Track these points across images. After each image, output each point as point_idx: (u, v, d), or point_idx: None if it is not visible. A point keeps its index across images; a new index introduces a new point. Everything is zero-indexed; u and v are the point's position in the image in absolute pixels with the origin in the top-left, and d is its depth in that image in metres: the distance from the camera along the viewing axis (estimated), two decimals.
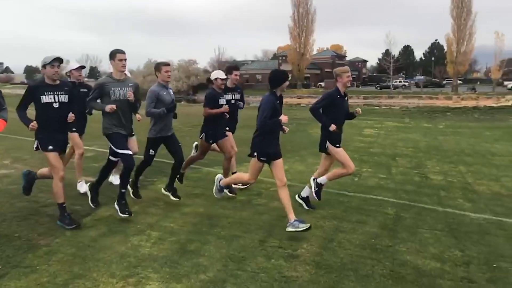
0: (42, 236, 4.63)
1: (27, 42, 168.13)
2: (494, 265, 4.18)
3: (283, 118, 4.83)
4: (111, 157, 5.45)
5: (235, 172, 6.39)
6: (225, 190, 6.20)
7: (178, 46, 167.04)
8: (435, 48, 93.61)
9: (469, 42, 59.06)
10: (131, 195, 5.84)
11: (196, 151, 6.87)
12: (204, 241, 4.61)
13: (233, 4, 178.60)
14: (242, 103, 6.86)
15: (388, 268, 4.05)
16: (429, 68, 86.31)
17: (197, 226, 5.10)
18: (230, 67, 6.85)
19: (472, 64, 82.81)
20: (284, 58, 77.52)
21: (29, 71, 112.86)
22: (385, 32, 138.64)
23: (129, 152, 5.23)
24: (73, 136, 6.17)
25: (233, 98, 6.66)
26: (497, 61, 62.02)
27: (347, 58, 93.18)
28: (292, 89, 60.86)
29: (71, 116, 5.04)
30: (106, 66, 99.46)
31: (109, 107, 5.04)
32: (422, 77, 74.84)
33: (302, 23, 67.11)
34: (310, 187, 5.89)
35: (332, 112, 5.60)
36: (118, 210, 5.13)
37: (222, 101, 6.34)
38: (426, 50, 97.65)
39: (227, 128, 6.56)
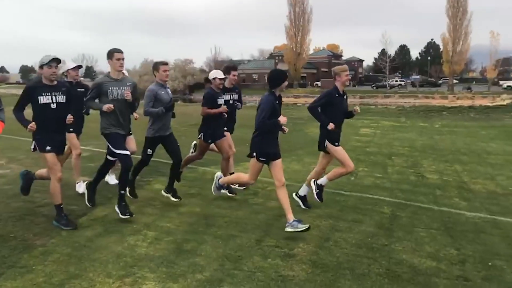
0: (38, 236, 4.61)
1: (23, 41, 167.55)
2: (489, 264, 4.20)
3: (282, 119, 4.82)
4: (108, 157, 5.43)
5: (233, 173, 6.38)
6: (225, 191, 6.20)
7: (174, 45, 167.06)
8: (431, 48, 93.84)
9: (464, 42, 59.40)
10: (128, 194, 5.83)
11: (194, 151, 6.85)
12: (200, 240, 4.60)
13: (230, 3, 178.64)
14: (240, 104, 6.86)
15: (384, 267, 4.06)
16: (425, 67, 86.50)
17: (193, 225, 5.09)
18: (228, 67, 6.82)
19: (467, 64, 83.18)
20: (280, 57, 77.55)
21: (25, 70, 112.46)
22: (381, 32, 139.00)
23: (127, 152, 5.21)
24: (71, 137, 6.15)
25: (231, 98, 6.65)
26: (493, 61, 62.30)
27: (344, 58, 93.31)
28: (288, 88, 60.82)
29: (69, 118, 5.03)
30: (102, 66, 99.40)
31: (106, 107, 5.02)
32: (418, 76, 75.01)
33: (299, 22, 67.18)
34: (308, 186, 5.89)
35: (331, 111, 5.60)
36: (119, 213, 5.10)
37: (220, 100, 6.33)
38: (422, 50, 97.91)
39: (225, 129, 6.55)
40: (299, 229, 4.66)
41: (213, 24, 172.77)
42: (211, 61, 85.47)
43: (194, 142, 6.97)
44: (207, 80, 6.46)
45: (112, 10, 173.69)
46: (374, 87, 68.47)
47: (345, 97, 5.80)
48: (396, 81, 72.36)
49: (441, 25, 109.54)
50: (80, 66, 6.44)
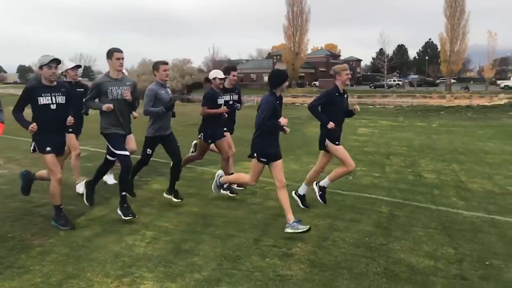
0: (36, 236, 4.61)
1: (20, 41, 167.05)
2: (487, 263, 4.22)
3: (283, 120, 4.81)
4: (108, 157, 5.41)
5: (232, 173, 6.37)
6: (226, 191, 6.20)
7: (172, 45, 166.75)
8: (428, 47, 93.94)
9: (462, 41, 59.53)
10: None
11: (194, 150, 6.83)
12: (198, 240, 4.61)
13: (228, 3, 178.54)
14: (240, 105, 6.86)
15: (382, 266, 4.07)
16: (423, 67, 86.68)
17: (191, 225, 5.09)
18: (228, 67, 6.78)
19: (465, 63, 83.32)
20: (278, 57, 77.53)
21: (22, 70, 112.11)
22: (379, 31, 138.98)
23: (127, 153, 5.20)
24: (70, 137, 6.13)
25: (231, 99, 6.63)
26: (490, 60, 62.47)
27: (342, 58, 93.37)
28: (287, 88, 60.83)
29: (70, 120, 5.02)
30: (100, 66, 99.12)
31: (106, 106, 5.00)
32: (416, 76, 75.18)
33: (297, 22, 67.19)
34: (307, 185, 5.89)
35: (331, 110, 5.59)
36: (122, 215, 5.07)
37: (220, 100, 6.32)
38: (420, 49, 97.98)
39: (225, 129, 6.53)
40: (299, 230, 4.66)
41: (211, 24, 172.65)
42: (209, 61, 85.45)
43: (195, 141, 6.95)
44: (207, 80, 6.45)
45: (110, 10, 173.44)
46: (372, 87, 68.56)
47: (345, 96, 5.79)
48: (394, 80, 72.42)
49: (439, 25, 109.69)
50: (79, 66, 6.42)
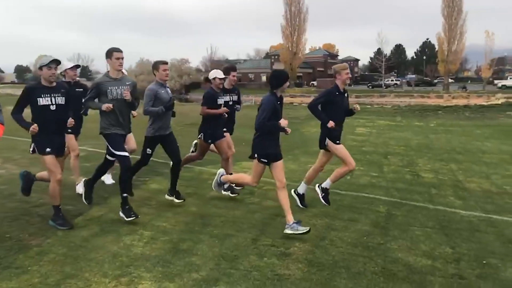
0: (33, 237, 4.60)
1: (18, 41, 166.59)
2: (484, 262, 4.23)
3: (283, 122, 4.79)
4: (108, 157, 5.40)
5: (231, 174, 6.37)
6: (227, 192, 6.20)
7: (170, 45, 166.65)
8: (426, 47, 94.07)
9: (460, 41, 59.58)
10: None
11: (195, 150, 6.81)
12: (196, 240, 4.61)
13: (225, 3, 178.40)
14: (239, 106, 6.86)
15: (380, 266, 4.08)
16: (420, 67, 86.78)
17: (189, 225, 5.09)
18: (228, 68, 6.75)
19: (463, 63, 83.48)
20: (276, 57, 77.54)
21: (20, 70, 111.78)
22: (377, 31, 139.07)
23: (126, 154, 5.18)
24: (69, 138, 6.11)
25: (231, 99, 6.63)
26: (488, 60, 62.54)
27: (339, 57, 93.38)
28: None
29: (70, 121, 5.01)
30: (98, 65, 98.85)
31: (105, 106, 4.98)
32: (414, 75, 75.24)
33: (294, 22, 67.15)
34: (307, 184, 5.89)
35: (331, 109, 5.58)
36: (124, 217, 5.04)
37: (220, 101, 6.31)
38: (417, 49, 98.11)
39: (225, 129, 6.52)
40: (299, 232, 4.65)
41: (209, 24, 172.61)
42: (207, 61, 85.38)
43: (195, 141, 6.93)
44: (207, 79, 6.44)
45: (108, 9, 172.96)
46: (370, 87, 68.60)
47: (346, 95, 5.78)
48: (392, 80, 72.51)
49: (437, 25, 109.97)
50: (78, 66, 6.40)
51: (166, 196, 5.92)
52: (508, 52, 77.13)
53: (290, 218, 4.75)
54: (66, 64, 6.28)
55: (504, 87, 56.45)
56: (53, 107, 4.79)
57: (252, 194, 6.50)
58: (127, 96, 5.09)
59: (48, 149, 4.79)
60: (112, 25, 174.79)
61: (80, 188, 6.21)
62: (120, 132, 5.20)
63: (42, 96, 4.74)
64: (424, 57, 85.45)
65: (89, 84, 6.27)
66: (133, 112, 5.82)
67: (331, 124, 5.48)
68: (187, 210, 5.68)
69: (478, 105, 33.03)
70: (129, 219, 5.03)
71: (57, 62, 4.80)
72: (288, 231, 4.70)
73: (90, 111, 5.94)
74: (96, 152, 9.25)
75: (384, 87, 66.24)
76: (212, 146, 6.41)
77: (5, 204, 5.75)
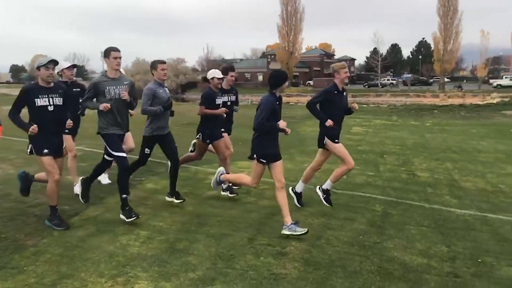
0: (29, 237, 4.58)
1: (13, 40, 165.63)
2: (479, 260, 4.26)
3: (281, 124, 4.79)
4: (106, 157, 5.39)
5: (228, 173, 6.35)
6: (226, 192, 6.20)
7: (166, 44, 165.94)
8: (422, 47, 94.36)
9: (455, 41, 59.85)
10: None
11: (193, 149, 6.80)
12: (193, 239, 4.61)
13: (222, 2, 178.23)
14: (237, 107, 6.85)
15: (376, 265, 4.09)
16: (416, 66, 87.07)
17: (186, 225, 5.09)
18: (226, 68, 6.72)
19: (458, 62, 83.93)
20: (273, 56, 77.55)
21: (15, 70, 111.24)
22: (373, 31, 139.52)
23: (124, 155, 5.17)
24: (66, 138, 6.09)
25: (229, 99, 6.63)
26: (483, 59, 62.88)
27: (336, 57, 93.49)
28: None
29: (69, 123, 4.99)
30: (93, 65, 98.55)
31: (103, 106, 4.96)
32: (410, 75, 75.49)
33: (291, 21, 67.19)
34: (304, 182, 5.89)
35: (330, 108, 5.58)
36: (125, 218, 5.01)
37: (218, 100, 6.30)
38: (413, 49, 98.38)
39: (222, 129, 6.52)
40: (297, 233, 4.65)
41: (205, 23, 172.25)
42: (203, 60, 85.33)
43: (194, 140, 6.92)
44: (205, 79, 6.41)
45: (103, 9, 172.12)
46: (366, 86, 68.79)
47: (344, 94, 5.77)
48: (388, 80, 72.75)
49: (432, 24, 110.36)
50: (75, 66, 6.37)
51: (167, 198, 5.90)
52: (504, 51, 77.32)
53: (288, 219, 4.75)
54: (63, 64, 6.26)
55: (500, 87, 56.73)
56: (51, 108, 4.76)
57: (248, 193, 6.50)
58: (125, 96, 5.07)
59: (45, 150, 4.76)
60: (107, 24, 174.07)
61: (77, 189, 6.19)
62: (118, 132, 5.18)
63: (40, 96, 4.70)
64: (420, 57, 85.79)
65: (86, 83, 6.24)
66: (130, 111, 5.81)
67: (329, 123, 5.48)
68: (183, 209, 5.68)
69: (473, 105, 33.21)
70: (130, 219, 4.99)
71: (55, 62, 4.78)
72: (286, 232, 4.70)
73: (87, 111, 5.92)
74: (93, 152, 9.22)
75: (380, 86, 66.42)
76: (210, 146, 6.41)
77: (1, 204, 5.72)
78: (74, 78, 6.31)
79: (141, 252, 4.25)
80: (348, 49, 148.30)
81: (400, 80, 72.41)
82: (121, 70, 5.33)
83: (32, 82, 4.96)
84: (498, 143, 12.55)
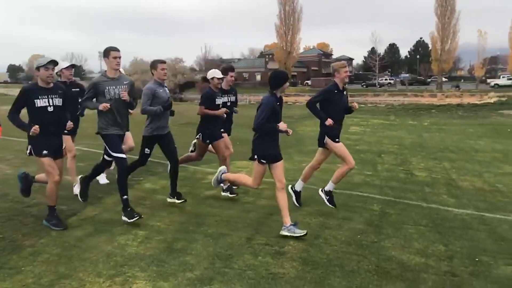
0: (27, 237, 4.58)
1: (12, 40, 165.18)
2: (476, 259, 4.27)
3: (282, 126, 4.77)
4: (105, 157, 5.38)
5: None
6: (226, 193, 6.19)
7: (164, 44, 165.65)
8: (420, 46, 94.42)
9: (453, 40, 59.97)
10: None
11: (194, 149, 6.79)
12: (191, 239, 4.61)
13: (219, 2, 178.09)
14: (237, 109, 6.85)
15: (374, 264, 4.10)
16: (414, 66, 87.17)
17: (184, 224, 5.09)
18: (226, 68, 6.70)
19: (456, 62, 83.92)
20: (271, 56, 77.54)
21: (12, 70, 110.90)
22: (371, 31, 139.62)
23: (124, 155, 5.17)
24: (66, 139, 6.07)
25: (229, 100, 6.62)
26: (480, 59, 62.99)
27: (334, 57, 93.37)
28: None
29: (69, 125, 4.98)
30: (91, 65, 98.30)
31: (103, 106, 4.95)
32: (407, 75, 75.65)
33: (289, 21, 67.18)
34: (303, 181, 5.89)
35: (330, 108, 5.56)
36: (127, 219, 4.99)
37: (218, 101, 6.30)
38: (411, 48, 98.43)
39: (222, 130, 6.51)
40: (296, 234, 4.64)
41: (203, 23, 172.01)
42: (201, 60, 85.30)
43: (194, 140, 6.92)
44: (204, 79, 6.40)
45: (103, 9, 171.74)
46: (364, 86, 68.86)
47: (345, 93, 5.76)
48: (386, 79, 72.84)
49: (430, 24, 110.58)
50: (74, 65, 6.36)
51: (168, 199, 5.89)
52: (501, 51, 77.42)
53: (287, 220, 4.74)
54: (62, 64, 6.24)
55: (497, 86, 56.89)
56: (50, 109, 4.74)
57: (246, 193, 6.50)
58: (125, 97, 5.05)
59: (44, 152, 4.74)
60: (105, 24, 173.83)
61: (77, 189, 6.18)
62: (118, 132, 5.17)
63: (40, 97, 4.68)
64: (418, 56, 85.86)
65: (84, 83, 6.22)
66: (130, 110, 5.80)
67: (329, 122, 5.47)
68: (181, 209, 5.68)
69: (471, 104, 33.29)
70: (133, 220, 4.97)
71: (54, 63, 4.76)
72: (285, 232, 4.70)
73: (86, 111, 5.91)
74: (91, 152, 9.22)
75: (378, 86, 66.51)
76: (209, 146, 6.40)
77: None
78: (73, 78, 6.30)
79: (139, 252, 4.25)
80: (346, 49, 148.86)
81: (398, 79, 72.58)
82: (121, 70, 5.33)
83: (31, 83, 4.94)
84: (496, 143, 12.59)
